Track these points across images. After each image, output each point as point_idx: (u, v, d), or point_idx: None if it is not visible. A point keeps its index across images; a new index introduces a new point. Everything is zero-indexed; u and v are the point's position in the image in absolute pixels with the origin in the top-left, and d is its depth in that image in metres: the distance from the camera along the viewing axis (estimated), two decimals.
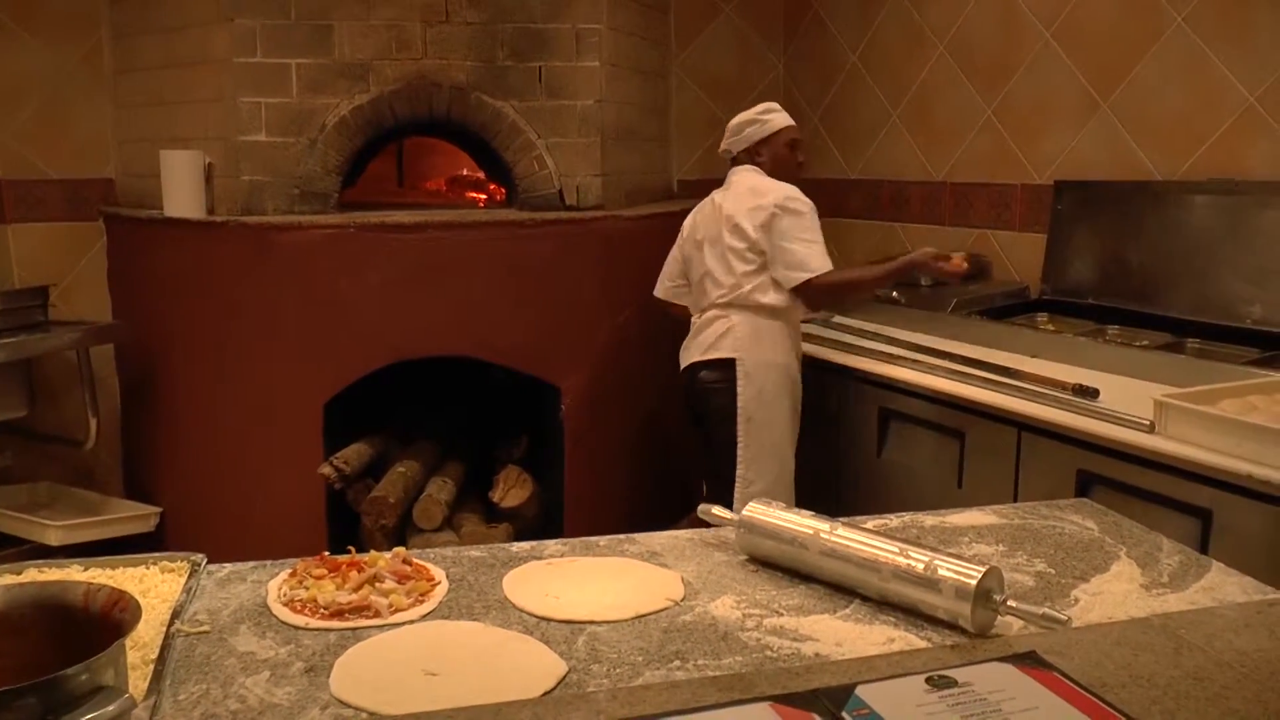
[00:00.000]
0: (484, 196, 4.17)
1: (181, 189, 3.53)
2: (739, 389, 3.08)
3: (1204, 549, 2.02)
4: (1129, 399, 2.44)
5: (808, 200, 3.10)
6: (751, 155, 3.24)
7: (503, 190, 4.01)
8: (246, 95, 3.54)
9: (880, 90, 4.28)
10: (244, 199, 3.58)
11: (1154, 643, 1.07)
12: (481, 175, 4.18)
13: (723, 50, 4.71)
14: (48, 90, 3.97)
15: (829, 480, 3.31)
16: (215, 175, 3.62)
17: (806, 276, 3.00)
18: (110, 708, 0.89)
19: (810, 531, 1.49)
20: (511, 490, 3.72)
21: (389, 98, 3.65)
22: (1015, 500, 2.54)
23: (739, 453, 3.09)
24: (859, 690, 0.92)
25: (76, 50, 3.98)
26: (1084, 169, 3.42)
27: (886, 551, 1.41)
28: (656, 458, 3.95)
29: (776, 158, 3.24)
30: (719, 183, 3.27)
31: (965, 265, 3.12)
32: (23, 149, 3.98)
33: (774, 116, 3.25)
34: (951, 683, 0.94)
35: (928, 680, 0.95)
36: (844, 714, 0.88)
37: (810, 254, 3.03)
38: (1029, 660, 1.00)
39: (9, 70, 3.92)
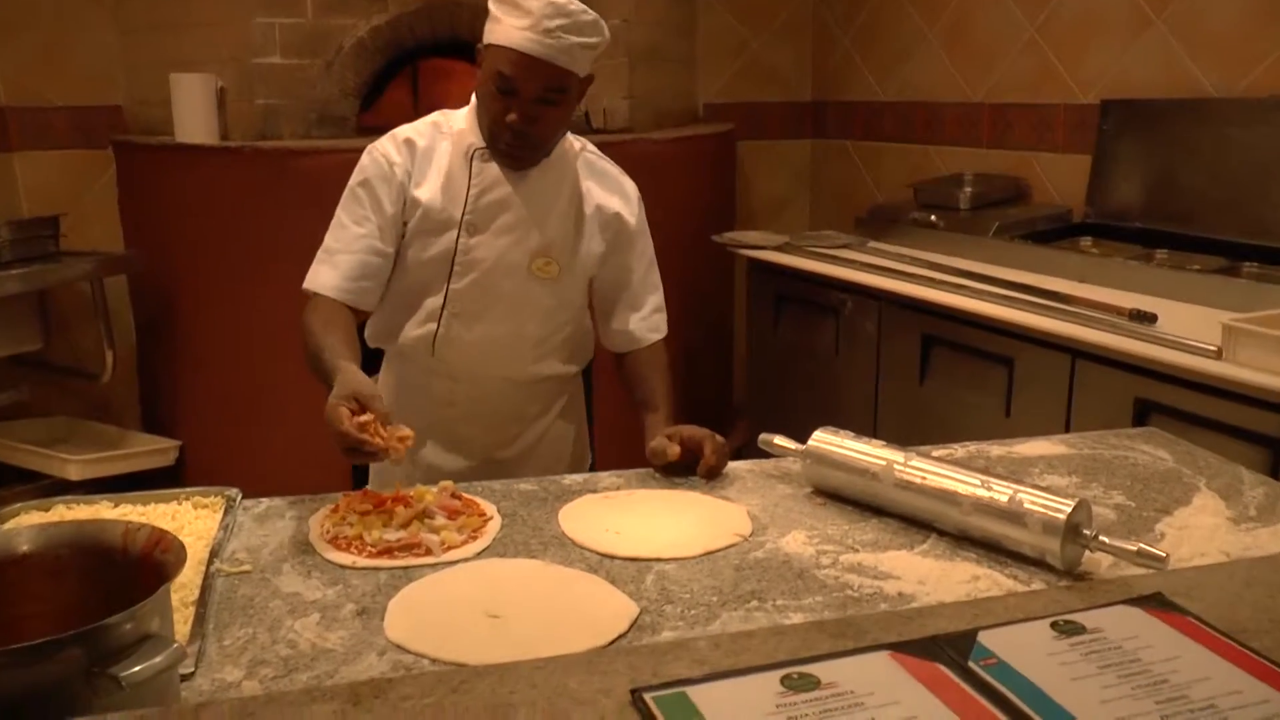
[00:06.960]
0: None
1: (193, 114, 3.40)
2: None
3: (1274, 479, 1.93)
4: (1189, 324, 2.33)
5: (367, 159, 1.95)
6: None
7: None
8: (259, 16, 3.40)
9: (914, 9, 4.11)
10: (259, 123, 3.46)
11: None
12: None
13: None
14: (49, 16, 3.81)
15: (868, 409, 3.22)
16: (228, 99, 3.49)
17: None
18: (158, 659, 0.82)
19: (883, 463, 1.41)
20: None
21: (408, 18, 3.51)
22: (1068, 430, 2.45)
23: None
24: (981, 637, 0.84)
25: None
26: (1133, 87, 3.26)
27: (967, 484, 1.33)
28: (695, 387, 3.86)
29: (479, 87, 1.80)
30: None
31: None
32: (26, 76, 3.82)
33: (494, 22, 1.72)
34: (1079, 628, 0.86)
35: (1053, 625, 0.86)
36: (970, 664, 0.80)
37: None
38: (1155, 603, 0.91)
39: None
